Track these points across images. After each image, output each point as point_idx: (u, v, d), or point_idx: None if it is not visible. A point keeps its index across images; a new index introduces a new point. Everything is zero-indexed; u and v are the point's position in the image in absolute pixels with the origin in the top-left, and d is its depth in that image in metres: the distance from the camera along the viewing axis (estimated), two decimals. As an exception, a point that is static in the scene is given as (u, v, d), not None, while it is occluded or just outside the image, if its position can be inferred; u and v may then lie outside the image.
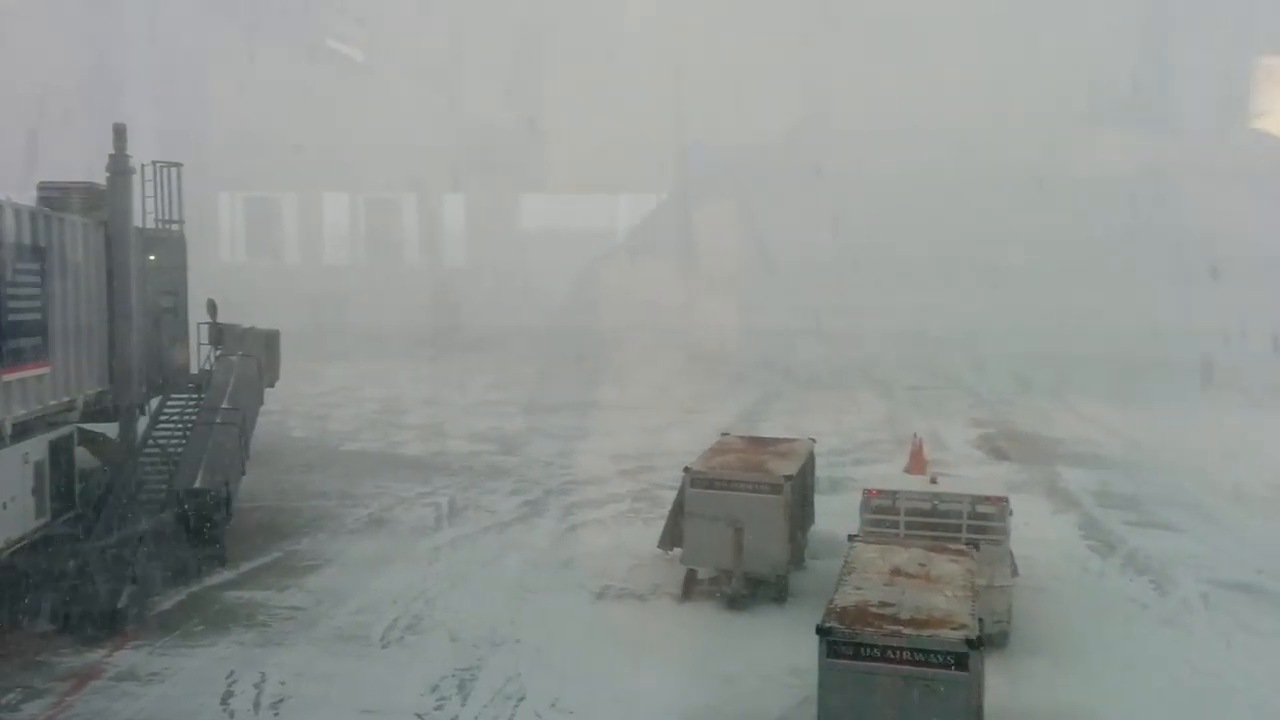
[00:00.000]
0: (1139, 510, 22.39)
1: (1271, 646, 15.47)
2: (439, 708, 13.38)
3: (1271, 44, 61.04)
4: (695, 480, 17.38)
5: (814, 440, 20.29)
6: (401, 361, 43.81)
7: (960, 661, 10.64)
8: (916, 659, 10.72)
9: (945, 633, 10.86)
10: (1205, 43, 59.89)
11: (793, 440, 20.10)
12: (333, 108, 56.91)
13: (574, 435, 30.43)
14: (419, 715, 13.21)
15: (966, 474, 24.26)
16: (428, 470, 26.42)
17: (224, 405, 20.69)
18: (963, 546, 13.93)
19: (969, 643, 10.69)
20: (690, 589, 17.44)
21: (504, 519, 22.16)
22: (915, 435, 25.50)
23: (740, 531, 16.85)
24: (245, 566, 18.47)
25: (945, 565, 12.80)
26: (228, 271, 48.66)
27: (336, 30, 60.94)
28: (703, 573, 17.60)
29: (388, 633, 15.71)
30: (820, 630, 11.06)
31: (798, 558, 18.20)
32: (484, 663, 14.67)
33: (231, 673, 14.13)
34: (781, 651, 14.60)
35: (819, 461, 20.61)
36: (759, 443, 19.91)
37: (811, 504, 19.60)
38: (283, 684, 13.84)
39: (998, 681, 12.99)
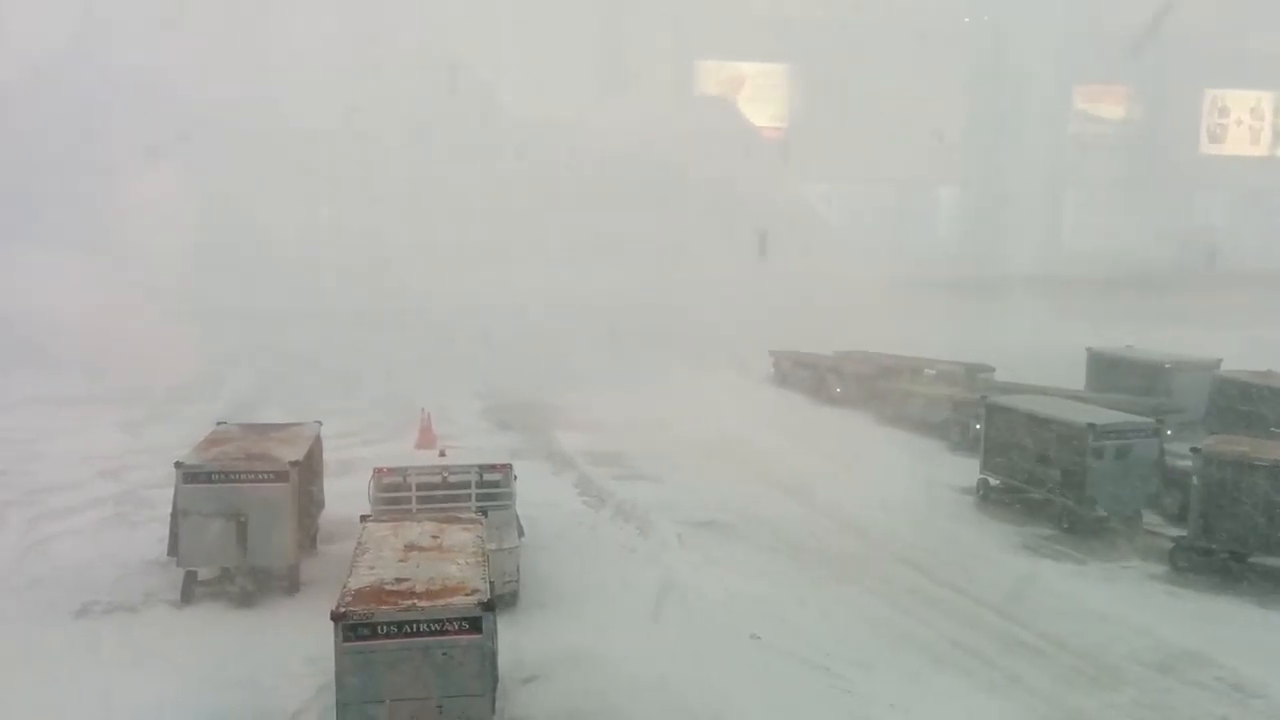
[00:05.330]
0: (623, 465, 24.86)
1: (729, 569, 18.19)
2: None
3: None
4: (188, 475, 16.14)
5: (320, 423, 19.77)
6: None
7: (475, 625, 11.14)
8: (433, 629, 11.04)
9: (459, 599, 11.29)
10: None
11: (297, 424, 19.43)
12: None
13: (35, 436, 26.45)
14: None
15: (474, 444, 25.20)
16: None
17: None
18: (473, 515, 14.52)
19: (481, 605, 11.22)
20: (190, 592, 16.21)
21: (-55, 541, 18.77)
22: (423, 410, 25.98)
23: (244, 525, 15.99)
24: None
25: (457, 534, 13.26)
26: None
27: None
28: (205, 572, 16.44)
29: None
30: (335, 615, 10.93)
31: (308, 545, 17.70)
32: (-70, 712, 12.42)
33: None
34: (295, 644, 14.18)
35: (326, 444, 20.13)
36: (259, 429, 18.94)
37: (321, 488, 19.14)
38: None
39: (510, 636, 13.81)
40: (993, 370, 32.07)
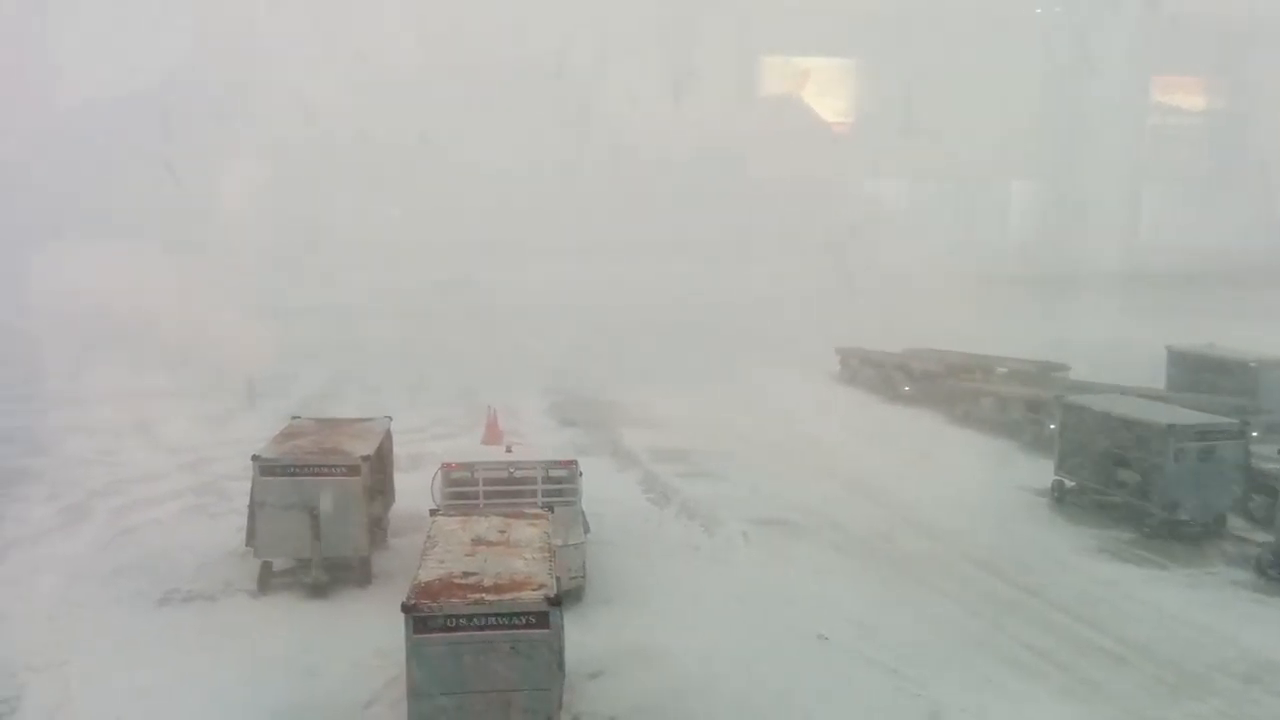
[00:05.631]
0: (688, 463, 24.80)
1: (795, 568, 18.04)
2: (-35, 755, 11.58)
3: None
4: (264, 468, 16.52)
5: (390, 418, 20.08)
6: None
7: (542, 619, 11.21)
8: (501, 622, 11.14)
9: (526, 594, 11.37)
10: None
11: (368, 419, 19.76)
12: None
13: (121, 430, 27.32)
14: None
15: (539, 441, 25.35)
16: (-70, 481, 22.43)
17: None
18: (539, 510, 14.61)
19: (548, 600, 11.28)
20: (267, 582, 16.59)
21: (37, 529, 19.47)
22: (490, 407, 26.22)
23: (317, 517, 16.30)
24: None
25: (524, 530, 13.37)
26: None
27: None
28: (280, 563, 16.81)
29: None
30: (405, 608, 11.08)
31: (379, 538, 17.99)
32: (23, 693, 12.90)
33: None
34: (367, 635, 14.40)
35: (396, 439, 20.44)
36: (332, 424, 19.33)
37: (391, 482, 19.43)
38: None
39: (576, 631, 13.87)
40: (1068, 369, 31.29)
